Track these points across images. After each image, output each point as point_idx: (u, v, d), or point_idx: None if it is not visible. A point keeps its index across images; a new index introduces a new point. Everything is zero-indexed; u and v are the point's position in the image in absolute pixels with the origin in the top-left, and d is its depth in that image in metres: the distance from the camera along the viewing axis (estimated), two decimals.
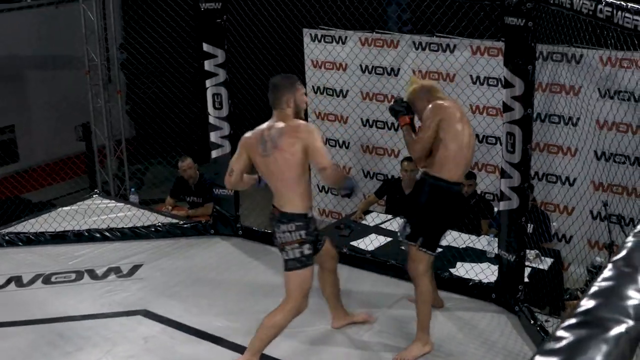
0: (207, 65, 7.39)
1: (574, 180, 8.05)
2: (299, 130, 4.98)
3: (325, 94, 9.57)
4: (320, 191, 10.02)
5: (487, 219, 8.00)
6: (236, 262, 7.33)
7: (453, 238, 7.35)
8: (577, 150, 7.99)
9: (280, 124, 5.03)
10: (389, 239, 7.58)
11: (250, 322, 6.02)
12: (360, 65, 9.25)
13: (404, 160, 8.43)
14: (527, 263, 6.47)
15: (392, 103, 5.75)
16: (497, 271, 6.46)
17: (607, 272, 1.19)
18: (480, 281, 6.58)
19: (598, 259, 6.97)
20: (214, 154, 7.67)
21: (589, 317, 1.07)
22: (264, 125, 5.15)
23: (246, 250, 7.59)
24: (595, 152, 7.87)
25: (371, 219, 8.17)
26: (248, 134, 5.21)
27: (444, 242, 7.22)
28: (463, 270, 6.84)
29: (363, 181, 9.56)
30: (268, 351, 5.34)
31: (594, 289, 1.14)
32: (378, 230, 7.86)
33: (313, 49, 9.42)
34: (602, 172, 7.72)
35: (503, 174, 6.05)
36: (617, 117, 7.59)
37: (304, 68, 9.60)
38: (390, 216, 8.20)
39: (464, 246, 7.33)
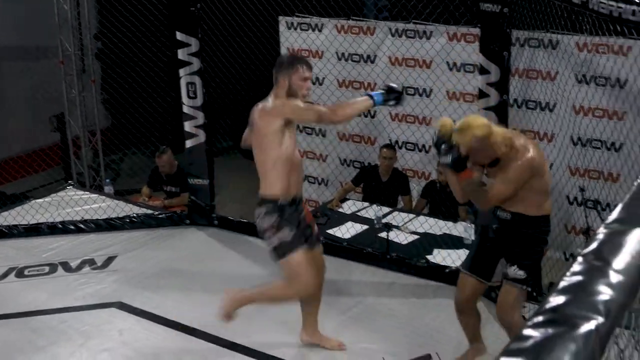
0: (181, 54, 7.33)
1: (551, 165, 7.97)
2: (273, 108, 4.78)
3: None
4: None
5: (465, 206, 7.95)
6: (212, 253, 7.30)
7: (430, 225, 7.34)
8: (554, 135, 7.96)
9: (261, 104, 4.86)
10: (365, 227, 7.53)
11: None
12: (337, 53, 9.16)
13: (382, 147, 8.39)
14: None
15: (453, 158, 4.75)
16: None
17: (577, 266, 1.14)
18: (457, 268, 6.54)
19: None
20: (189, 143, 7.62)
21: (557, 315, 1.02)
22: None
23: (222, 240, 7.55)
24: (572, 137, 7.85)
25: (347, 207, 8.11)
26: None
27: (420, 230, 7.25)
28: (440, 257, 6.81)
29: (340, 169, 9.50)
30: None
31: (562, 284, 1.09)
32: (355, 218, 7.80)
33: (289, 37, 9.33)
34: (578, 157, 7.70)
35: None
36: (593, 102, 7.57)
37: (279, 56, 9.50)
38: (367, 204, 8.15)
39: (440, 233, 7.31)
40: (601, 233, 1.25)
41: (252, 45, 9.46)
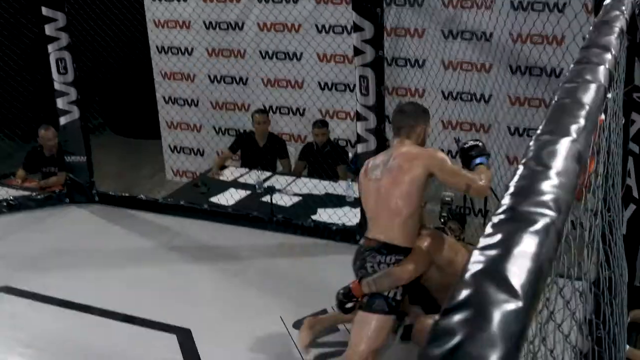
0: (48, 29, 7.17)
1: None
2: (420, 155, 4.38)
3: (170, 53, 9.42)
4: (173, 151, 9.90)
5: (343, 165, 8.10)
6: (95, 229, 7.21)
7: (313, 185, 7.44)
8: (425, 91, 8.16)
9: (402, 148, 4.46)
10: (248, 192, 7.58)
11: (116, 286, 5.97)
12: (204, 22, 9.12)
13: (254, 113, 8.44)
14: None
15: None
16: (358, 214, 6.58)
17: (521, 172, 1.23)
18: (343, 224, 6.68)
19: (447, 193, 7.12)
20: (63, 120, 7.49)
21: (514, 213, 1.10)
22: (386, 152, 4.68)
23: (104, 215, 7.46)
24: (443, 92, 8.06)
25: (229, 173, 8.15)
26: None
27: (304, 190, 7.35)
28: (325, 215, 6.92)
29: (216, 138, 9.48)
30: None
31: (511, 189, 1.17)
32: (236, 184, 7.84)
33: (155, 9, 9.22)
34: (451, 111, 7.91)
35: (359, 117, 6.15)
36: (460, 55, 7.78)
37: (146, 28, 9.40)
38: (246, 169, 8.21)
39: (323, 193, 7.42)
40: (534, 144, 1.34)
41: (121, 17, 9.32)
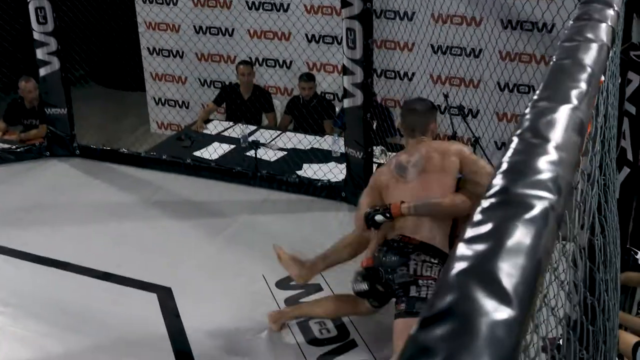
0: None
1: (413, 74, 8.07)
2: (452, 149, 4.36)
3: (154, 2, 9.20)
4: (157, 104, 9.72)
5: (330, 119, 7.94)
6: (77, 183, 7.05)
7: (298, 140, 7.30)
8: (414, 44, 7.98)
9: (430, 145, 4.44)
10: (232, 146, 7.42)
11: (95, 242, 5.84)
12: None
13: (238, 65, 8.26)
14: (374, 160, 6.46)
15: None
16: (344, 170, 6.46)
17: (516, 146, 1.07)
18: (329, 181, 6.55)
19: None
20: (42, 71, 7.30)
21: (509, 196, 0.95)
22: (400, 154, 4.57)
23: (86, 169, 7.30)
24: (432, 46, 7.88)
25: (213, 127, 7.96)
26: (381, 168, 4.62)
27: (290, 145, 7.21)
28: (311, 171, 6.78)
29: (200, 90, 9.29)
30: None
31: (505, 165, 1.02)
32: (220, 138, 7.68)
33: None
34: (441, 65, 7.75)
35: (345, 71, 5.99)
36: (451, 9, 7.61)
37: None
38: (231, 123, 8.03)
39: (308, 148, 7.26)
40: (530, 112, 1.19)
41: None
